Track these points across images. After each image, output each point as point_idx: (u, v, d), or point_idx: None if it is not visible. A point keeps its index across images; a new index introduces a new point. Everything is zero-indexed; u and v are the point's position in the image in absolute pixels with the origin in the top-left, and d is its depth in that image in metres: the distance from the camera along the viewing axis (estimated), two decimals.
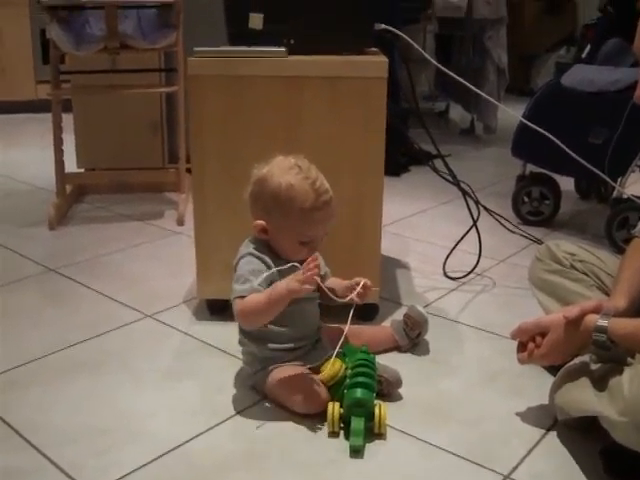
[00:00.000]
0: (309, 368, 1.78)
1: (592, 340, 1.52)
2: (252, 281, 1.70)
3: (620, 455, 1.45)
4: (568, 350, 1.63)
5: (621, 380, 1.39)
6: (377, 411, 1.63)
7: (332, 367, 1.68)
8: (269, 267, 1.74)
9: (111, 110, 3.64)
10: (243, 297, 1.68)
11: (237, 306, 1.69)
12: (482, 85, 5.08)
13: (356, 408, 1.62)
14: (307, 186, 1.69)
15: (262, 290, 1.68)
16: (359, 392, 1.62)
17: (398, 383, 1.82)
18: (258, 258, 1.75)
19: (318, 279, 1.64)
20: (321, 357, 1.80)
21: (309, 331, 1.85)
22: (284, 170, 1.72)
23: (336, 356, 1.71)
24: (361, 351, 1.75)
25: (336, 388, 1.68)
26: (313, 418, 1.69)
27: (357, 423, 1.60)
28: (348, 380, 1.66)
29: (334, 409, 1.63)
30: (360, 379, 1.65)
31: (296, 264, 1.70)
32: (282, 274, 1.72)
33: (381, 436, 1.64)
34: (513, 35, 5.80)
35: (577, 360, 1.76)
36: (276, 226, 1.74)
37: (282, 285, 1.64)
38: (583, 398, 1.55)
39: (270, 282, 1.71)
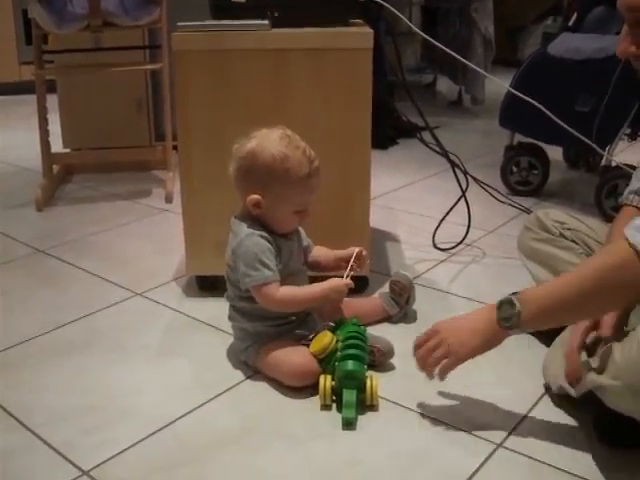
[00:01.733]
0: (300, 342, 1.78)
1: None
2: (268, 265, 1.71)
3: (613, 423, 1.46)
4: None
5: (613, 347, 1.39)
6: (369, 383, 1.63)
7: (322, 340, 1.68)
8: (271, 243, 1.74)
9: (96, 89, 3.62)
10: (261, 285, 1.70)
11: (262, 294, 1.71)
12: (469, 57, 5.05)
13: (348, 380, 1.62)
14: (300, 155, 1.70)
15: (275, 275, 1.71)
16: (350, 364, 1.62)
17: (390, 353, 1.83)
18: (261, 237, 1.73)
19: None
20: (312, 330, 1.81)
21: None
22: (274, 142, 1.71)
23: (327, 329, 1.72)
24: (352, 323, 1.74)
25: (327, 361, 1.68)
26: (305, 391, 1.70)
27: (349, 395, 1.60)
28: (339, 353, 1.66)
29: (325, 382, 1.63)
30: (351, 351, 1.64)
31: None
32: (279, 246, 1.75)
33: (373, 408, 1.64)
34: (499, 6, 5.78)
35: (568, 328, 1.78)
36: (273, 198, 1.73)
37: (318, 290, 1.74)
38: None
39: (274, 257, 1.74)
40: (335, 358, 1.66)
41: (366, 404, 1.64)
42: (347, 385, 1.62)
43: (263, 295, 1.71)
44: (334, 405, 1.65)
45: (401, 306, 2.04)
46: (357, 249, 1.85)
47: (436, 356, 1.55)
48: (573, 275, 1.43)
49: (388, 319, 2.04)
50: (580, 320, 1.53)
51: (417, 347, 1.60)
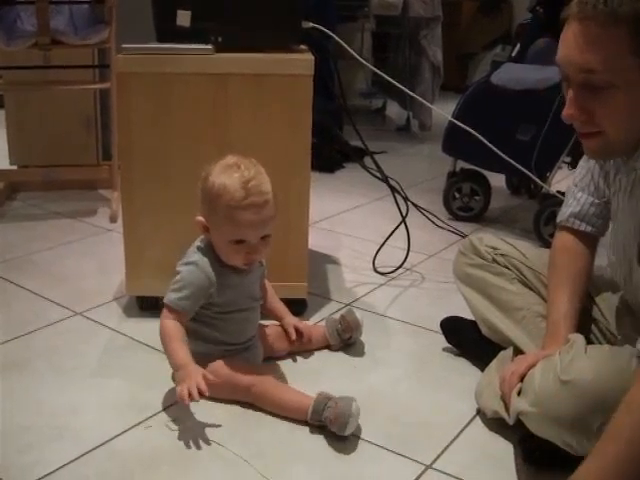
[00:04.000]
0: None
1: None
2: (189, 298, 1.74)
3: (537, 443, 1.50)
4: None
5: (534, 372, 1.43)
6: None
7: None
8: (212, 284, 1.75)
9: (44, 106, 3.59)
10: (170, 307, 1.74)
11: (164, 313, 1.75)
12: (418, 83, 5.16)
13: None
14: (238, 184, 1.68)
15: (187, 311, 1.74)
16: None
17: (357, 326, 2.01)
18: (205, 275, 1.75)
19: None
20: (252, 356, 1.86)
21: (244, 338, 1.86)
22: (222, 168, 1.72)
23: None
24: None
25: None
26: (240, 413, 1.72)
27: None
28: None
29: None
30: None
31: None
32: (225, 282, 1.77)
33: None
34: (450, 34, 5.89)
35: (502, 353, 1.82)
36: (210, 224, 1.75)
37: (180, 365, 1.68)
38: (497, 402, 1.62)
39: (204, 297, 1.76)
40: None
41: None
42: None
43: (162, 314, 1.75)
44: (266, 425, 1.67)
45: (342, 340, 2.05)
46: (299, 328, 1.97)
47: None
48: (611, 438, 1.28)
49: (328, 347, 2.06)
50: None
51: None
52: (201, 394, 1.59)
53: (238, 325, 1.83)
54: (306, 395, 1.71)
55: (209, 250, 1.78)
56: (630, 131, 1.36)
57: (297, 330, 1.97)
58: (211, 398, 1.72)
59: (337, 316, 2.07)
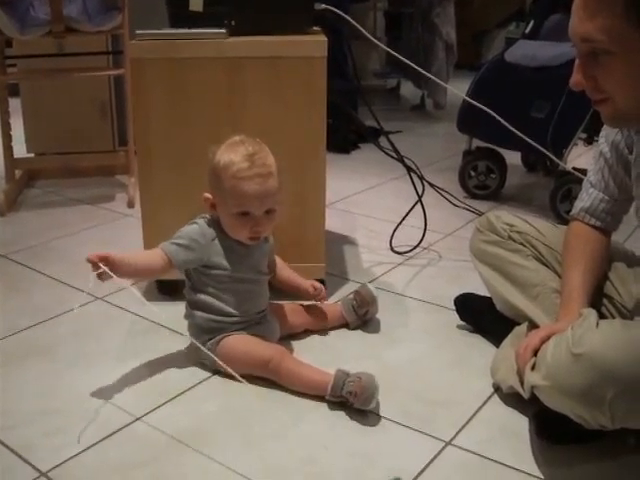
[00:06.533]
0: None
1: None
2: (177, 243, 1.79)
3: (550, 418, 1.51)
4: None
5: (547, 346, 1.44)
6: None
7: None
8: (206, 241, 1.80)
9: (60, 94, 3.61)
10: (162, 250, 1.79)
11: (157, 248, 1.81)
12: (431, 61, 5.13)
13: None
14: (242, 156, 1.73)
15: (173, 256, 1.78)
16: None
17: (373, 299, 2.03)
18: (201, 229, 1.81)
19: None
20: (268, 332, 1.87)
21: (253, 310, 1.88)
22: (227, 145, 1.77)
23: None
24: None
25: None
26: (260, 392, 1.73)
27: None
28: None
29: None
30: None
31: None
32: (230, 247, 1.80)
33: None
34: (463, 11, 5.85)
35: (517, 328, 1.83)
36: (217, 200, 1.79)
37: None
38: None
39: (196, 253, 1.79)
40: None
41: None
42: None
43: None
44: (287, 404, 1.69)
45: (359, 316, 2.06)
46: (316, 285, 1.98)
47: None
48: None
49: (346, 325, 2.07)
50: None
51: None
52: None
53: (242, 296, 1.84)
54: (324, 371, 1.73)
55: (215, 223, 1.82)
56: (638, 98, 1.38)
57: (314, 287, 2.00)
58: (232, 377, 1.72)
59: (352, 294, 2.08)
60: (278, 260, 2.01)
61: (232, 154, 1.74)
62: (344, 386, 1.66)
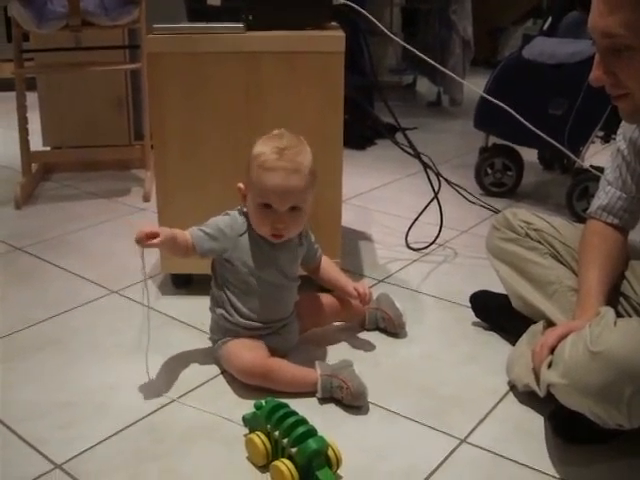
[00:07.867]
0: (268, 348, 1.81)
1: None
2: (204, 230, 1.78)
3: (567, 417, 1.50)
4: None
5: (565, 344, 1.44)
6: (331, 453, 1.44)
7: (254, 448, 1.49)
8: (233, 232, 1.78)
9: (76, 88, 3.63)
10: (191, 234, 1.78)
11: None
12: (448, 58, 5.12)
13: (316, 459, 1.42)
14: (272, 148, 1.72)
15: (196, 241, 1.77)
16: (312, 442, 1.41)
17: (401, 325, 2.01)
18: (231, 221, 1.80)
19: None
20: (285, 343, 1.87)
21: (274, 317, 1.85)
22: (266, 137, 1.77)
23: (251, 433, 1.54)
24: (266, 406, 1.53)
25: (275, 454, 1.49)
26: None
27: (327, 476, 1.42)
28: (285, 439, 1.45)
29: (288, 468, 1.42)
30: (300, 430, 1.44)
31: None
32: (257, 244, 1.79)
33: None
34: (480, 7, 5.83)
35: (533, 327, 1.82)
36: (247, 189, 1.78)
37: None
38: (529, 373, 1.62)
39: (221, 242, 1.78)
40: (284, 445, 1.45)
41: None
42: (318, 465, 1.42)
43: None
44: (299, 399, 1.69)
45: (379, 328, 2.05)
46: (360, 290, 1.94)
47: None
48: None
49: (362, 324, 2.06)
50: None
51: None
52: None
53: (263, 300, 1.81)
54: (308, 370, 1.73)
55: (247, 216, 1.81)
56: None
57: (357, 291, 1.94)
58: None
59: (379, 310, 2.04)
60: (325, 260, 1.99)
61: (265, 145, 1.73)
62: (332, 389, 1.69)
